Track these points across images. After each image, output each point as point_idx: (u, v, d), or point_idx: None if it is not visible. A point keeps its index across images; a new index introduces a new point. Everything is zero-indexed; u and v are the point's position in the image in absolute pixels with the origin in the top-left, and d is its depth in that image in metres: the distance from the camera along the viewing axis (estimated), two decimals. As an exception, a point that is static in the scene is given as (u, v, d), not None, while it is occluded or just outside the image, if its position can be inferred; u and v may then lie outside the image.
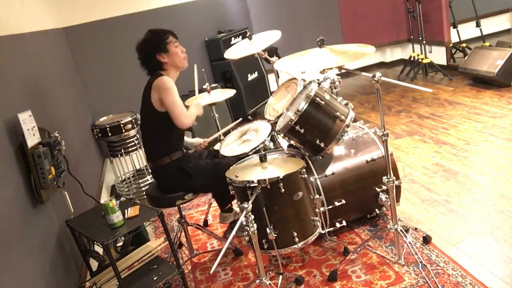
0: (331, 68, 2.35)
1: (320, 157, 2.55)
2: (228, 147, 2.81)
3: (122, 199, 2.48)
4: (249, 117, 5.17)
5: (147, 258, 2.38)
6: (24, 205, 1.95)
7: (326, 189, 2.61)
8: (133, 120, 3.95)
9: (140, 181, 4.23)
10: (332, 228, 2.66)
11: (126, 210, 2.31)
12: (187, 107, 2.71)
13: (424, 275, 2.28)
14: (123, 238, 2.45)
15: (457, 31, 5.63)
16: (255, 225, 2.05)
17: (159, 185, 2.73)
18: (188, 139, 2.88)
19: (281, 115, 2.63)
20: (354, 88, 6.02)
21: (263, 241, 2.28)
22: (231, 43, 5.13)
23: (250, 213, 2.01)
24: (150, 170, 2.94)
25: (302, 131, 2.41)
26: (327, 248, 2.71)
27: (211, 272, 2.09)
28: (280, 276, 2.44)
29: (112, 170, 4.29)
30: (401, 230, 2.34)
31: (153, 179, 2.88)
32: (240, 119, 3.29)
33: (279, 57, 3.25)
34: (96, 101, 4.74)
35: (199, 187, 2.66)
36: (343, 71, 2.34)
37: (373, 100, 5.37)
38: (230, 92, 3.13)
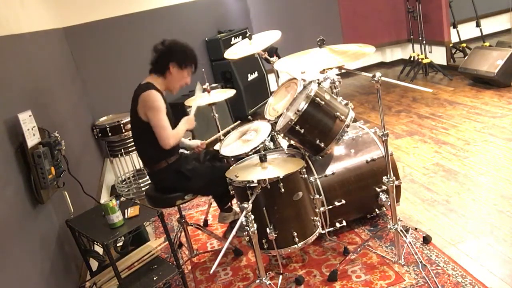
0: (331, 68, 2.35)
1: (320, 157, 2.55)
2: (228, 147, 2.81)
3: (122, 199, 2.48)
4: (249, 117, 5.17)
5: (147, 258, 2.38)
6: (24, 205, 1.95)
7: (326, 189, 2.61)
8: (132, 121, 3.95)
9: (140, 181, 4.23)
10: (332, 228, 2.66)
11: (126, 210, 2.31)
12: (184, 111, 2.69)
13: (424, 275, 2.28)
14: (123, 238, 2.45)
15: (457, 31, 5.63)
16: (255, 225, 2.05)
17: (157, 188, 2.73)
18: (185, 140, 2.87)
19: (281, 115, 2.62)
20: (354, 88, 6.02)
21: (263, 241, 2.28)
22: (231, 43, 5.13)
23: (250, 213, 2.01)
24: (147, 174, 2.93)
25: (302, 131, 2.41)
26: (327, 248, 2.71)
27: (211, 272, 2.09)
28: (280, 276, 2.44)
29: (112, 170, 4.30)
30: (401, 230, 2.34)
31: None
32: (239, 121, 3.27)
33: (279, 57, 3.25)
34: (96, 101, 4.74)
35: (198, 189, 2.66)
36: (343, 71, 2.34)
37: (373, 100, 5.37)
38: (230, 92, 3.13)
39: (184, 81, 2.63)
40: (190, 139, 3.00)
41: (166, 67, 2.55)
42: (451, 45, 5.67)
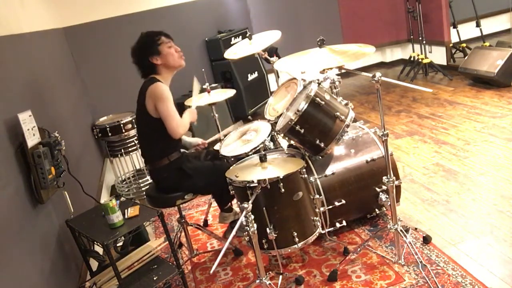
0: (331, 68, 2.35)
1: (320, 157, 2.55)
2: (228, 147, 2.81)
3: (122, 199, 2.47)
4: (249, 117, 5.17)
5: (147, 258, 2.38)
6: (24, 205, 1.95)
7: (326, 189, 2.61)
8: (133, 120, 3.95)
9: (140, 181, 4.23)
10: (332, 228, 2.66)
11: (126, 210, 2.31)
12: (184, 110, 2.70)
13: (424, 275, 2.28)
14: (123, 238, 2.45)
15: (457, 31, 5.63)
16: (255, 225, 2.05)
17: (158, 186, 2.73)
18: (187, 138, 2.87)
19: (281, 115, 2.62)
20: (354, 88, 6.02)
21: (263, 241, 2.28)
22: (231, 43, 5.13)
23: (250, 213, 2.01)
24: (148, 172, 2.94)
25: (302, 131, 2.41)
26: (327, 248, 2.71)
27: (211, 272, 2.09)
28: (280, 276, 2.44)
29: (112, 170, 4.30)
30: (401, 230, 2.34)
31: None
32: (240, 121, 3.29)
33: (279, 57, 3.24)
34: (96, 101, 4.74)
35: (199, 188, 2.66)
36: (343, 71, 2.34)
37: (373, 100, 5.37)
38: (230, 92, 3.13)
39: (173, 54, 2.58)
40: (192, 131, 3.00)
41: (150, 64, 2.55)
42: (451, 45, 5.67)
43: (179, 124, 2.50)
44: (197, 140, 2.92)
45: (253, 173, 2.20)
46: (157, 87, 2.48)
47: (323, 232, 2.59)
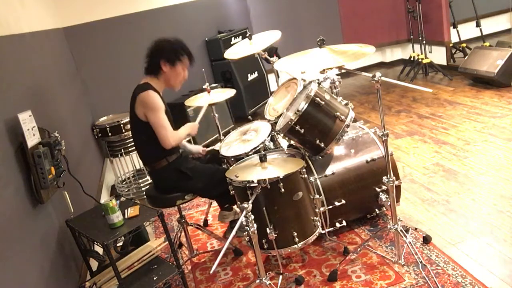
0: (331, 68, 2.35)
1: (320, 157, 2.55)
2: (228, 147, 2.81)
3: (122, 199, 2.47)
4: (249, 117, 5.17)
5: (147, 258, 2.38)
6: (24, 205, 1.95)
7: (326, 189, 2.61)
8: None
9: (140, 181, 4.23)
10: (332, 228, 2.66)
11: (126, 210, 2.31)
12: (184, 110, 2.70)
13: (424, 275, 2.28)
14: (123, 238, 2.45)
15: (457, 31, 5.63)
16: (255, 225, 2.05)
17: (158, 187, 2.73)
18: (187, 144, 2.87)
19: (281, 115, 2.63)
20: (354, 88, 6.02)
21: (263, 241, 2.28)
22: (231, 43, 5.14)
23: (250, 213, 2.01)
24: (148, 173, 2.93)
25: (302, 131, 2.41)
26: (327, 248, 2.71)
27: (211, 272, 2.09)
28: (280, 276, 2.44)
29: (112, 170, 4.30)
30: (401, 230, 2.34)
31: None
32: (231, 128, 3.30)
33: (279, 57, 3.24)
34: (96, 101, 4.74)
35: (198, 189, 2.66)
36: (343, 71, 2.34)
37: (373, 100, 5.37)
38: (230, 92, 3.13)
39: (181, 77, 2.61)
40: (190, 140, 3.00)
41: (158, 66, 2.54)
42: (451, 45, 5.67)
43: (170, 135, 2.48)
44: (198, 149, 2.89)
45: (253, 173, 2.20)
46: (148, 95, 2.46)
47: (323, 232, 2.59)
